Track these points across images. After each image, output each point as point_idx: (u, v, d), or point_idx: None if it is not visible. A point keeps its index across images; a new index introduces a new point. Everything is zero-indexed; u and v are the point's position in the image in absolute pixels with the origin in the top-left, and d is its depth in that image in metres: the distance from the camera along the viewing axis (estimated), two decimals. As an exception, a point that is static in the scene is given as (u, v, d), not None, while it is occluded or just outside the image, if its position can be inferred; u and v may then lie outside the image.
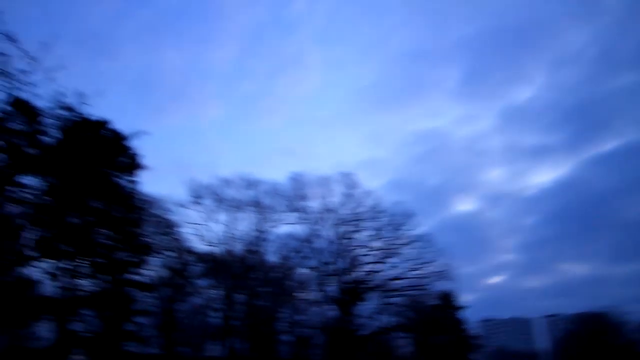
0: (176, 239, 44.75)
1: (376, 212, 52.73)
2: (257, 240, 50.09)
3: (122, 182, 33.66)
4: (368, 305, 54.16)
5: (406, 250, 52.85)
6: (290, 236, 52.24)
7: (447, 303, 79.96)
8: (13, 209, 28.08)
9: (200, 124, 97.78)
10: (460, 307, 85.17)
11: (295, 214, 51.97)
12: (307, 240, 52.43)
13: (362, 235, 53.46)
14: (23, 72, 18.96)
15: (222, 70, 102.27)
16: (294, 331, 53.66)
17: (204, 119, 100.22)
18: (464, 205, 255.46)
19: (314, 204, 52.69)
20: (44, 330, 34.28)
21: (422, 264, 52.20)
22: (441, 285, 58.05)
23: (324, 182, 52.55)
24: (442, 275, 52.59)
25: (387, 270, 53.41)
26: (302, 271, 53.86)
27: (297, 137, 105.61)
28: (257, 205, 50.00)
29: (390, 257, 53.21)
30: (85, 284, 35.12)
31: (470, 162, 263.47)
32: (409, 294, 58.23)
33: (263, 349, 48.99)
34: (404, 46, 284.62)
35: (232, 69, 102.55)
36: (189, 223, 46.58)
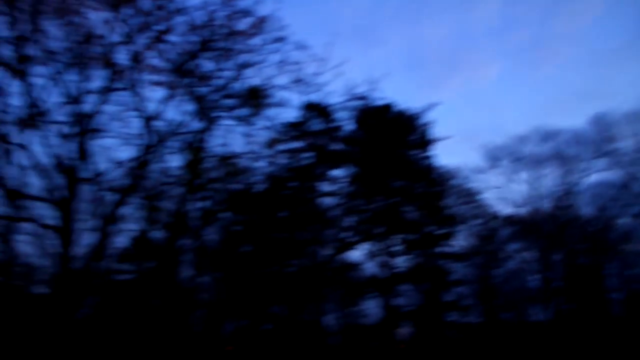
0: (480, 206, 43.80)
1: None
2: (567, 195, 46.11)
3: (419, 158, 34.00)
4: None
5: None
6: (604, 184, 46.79)
7: None
8: (328, 201, 30.50)
9: (479, 86, 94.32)
10: None
11: (605, 159, 46.29)
12: (624, 186, 46.35)
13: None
14: (314, 75, 19.93)
15: (488, 26, 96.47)
16: (626, 287, 48.26)
17: (483, 80, 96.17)
18: None
19: (625, 144, 46.19)
20: (371, 307, 36.93)
21: None
22: None
23: (633, 118, 45.62)
24: None
25: None
26: (625, 221, 47.93)
27: (588, 75, 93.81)
28: (559, 157, 45.94)
29: None
30: (401, 261, 36.77)
31: None
32: None
33: (591, 309, 45.15)
34: None
35: (498, 23, 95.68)
36: (489, 188, 45.11)
